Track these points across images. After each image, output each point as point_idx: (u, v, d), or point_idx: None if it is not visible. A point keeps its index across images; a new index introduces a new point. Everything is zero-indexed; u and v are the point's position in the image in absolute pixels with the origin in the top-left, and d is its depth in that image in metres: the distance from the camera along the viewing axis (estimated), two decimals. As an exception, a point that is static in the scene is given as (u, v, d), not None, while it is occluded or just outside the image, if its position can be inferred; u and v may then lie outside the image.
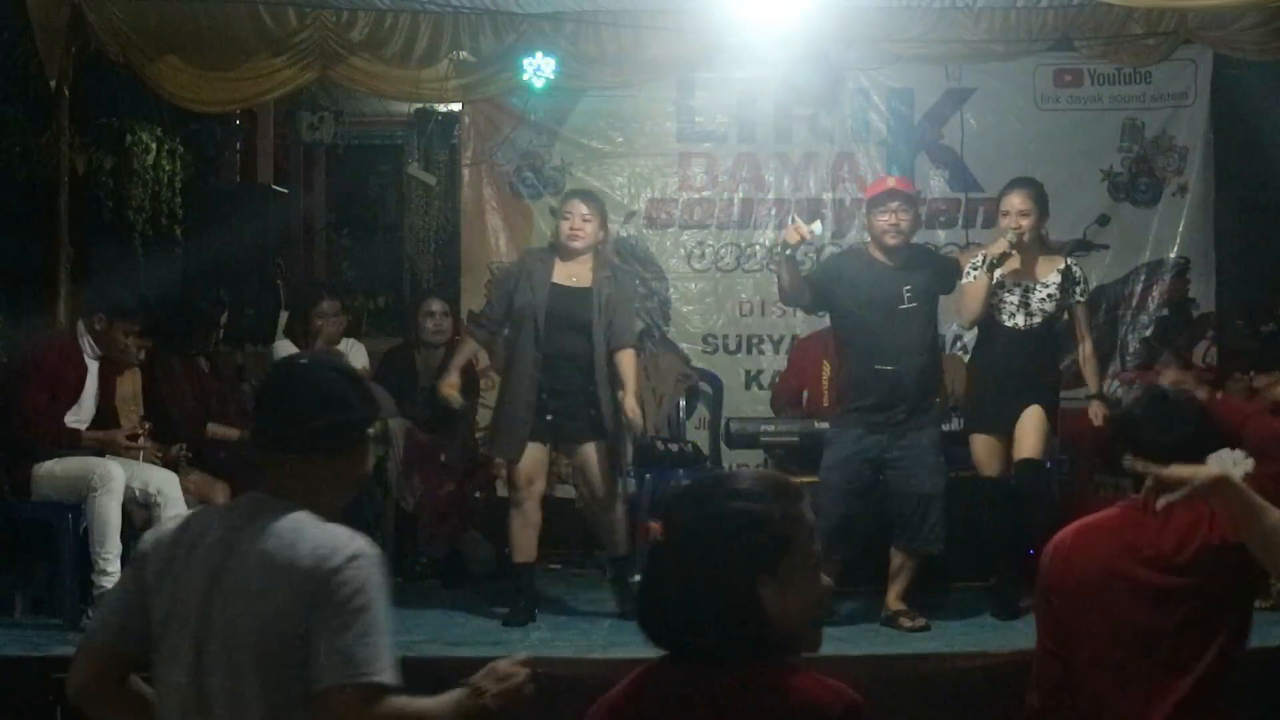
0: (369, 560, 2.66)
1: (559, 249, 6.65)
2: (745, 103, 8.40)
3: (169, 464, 6.58)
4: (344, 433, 2.80)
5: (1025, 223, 6.33)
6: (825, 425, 6.88)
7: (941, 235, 8.37)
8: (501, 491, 7.74)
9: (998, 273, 6.29)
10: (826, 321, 7.64)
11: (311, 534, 2.67)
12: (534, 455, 6.46)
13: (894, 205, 6.45)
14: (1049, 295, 6.39)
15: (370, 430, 2.83)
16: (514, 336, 6.57)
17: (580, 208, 6.64)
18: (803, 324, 8.24)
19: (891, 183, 6.78)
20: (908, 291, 6.38)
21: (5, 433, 6.39)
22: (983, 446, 6.39)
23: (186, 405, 7.02)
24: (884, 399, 6.32)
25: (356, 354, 7.69)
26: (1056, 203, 8.03)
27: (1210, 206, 8.33)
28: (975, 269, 6.38)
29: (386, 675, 2.60)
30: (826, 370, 7.48)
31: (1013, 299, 6.40)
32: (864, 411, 6.38)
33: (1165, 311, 8.31)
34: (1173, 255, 8.33)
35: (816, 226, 6.70)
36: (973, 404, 6.64)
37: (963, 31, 7.70)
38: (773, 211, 8.43)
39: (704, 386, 8.13)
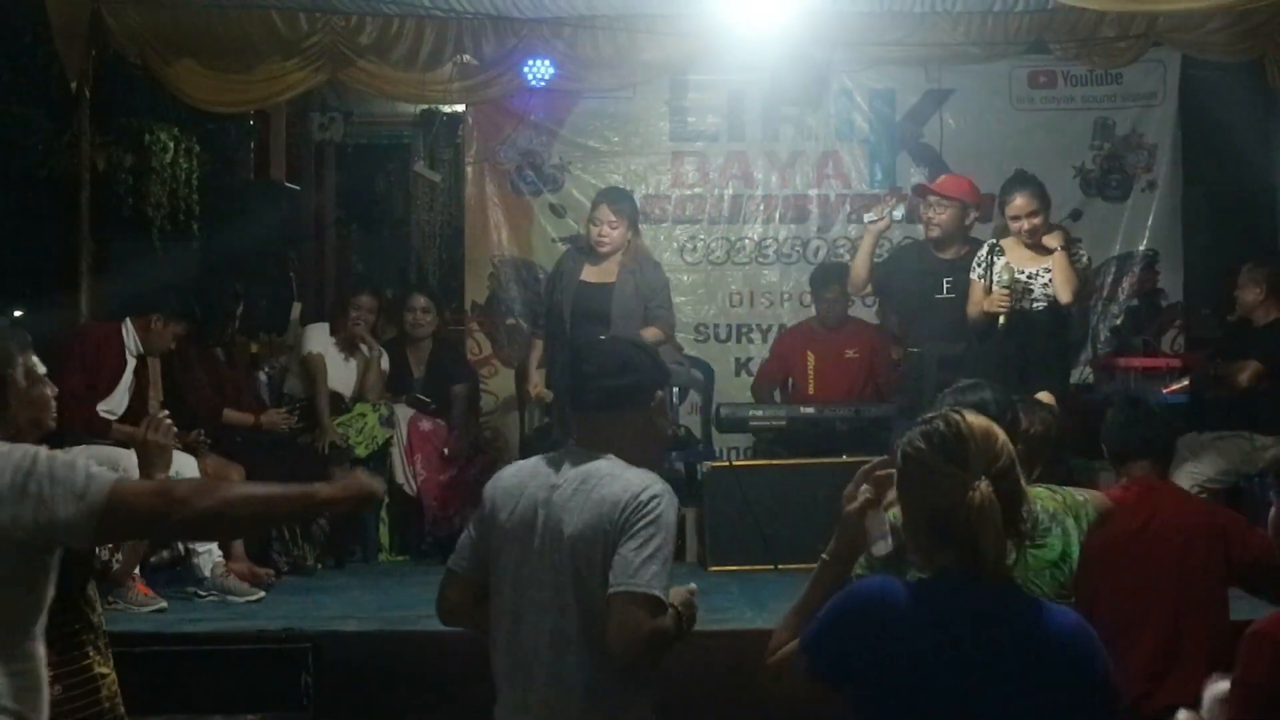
0: (667, 500, 3.11)
1: (589, 250, 6.86)
2: (735, 103, 8.52)
3: (188, 449, 6.82)
4: (635, 392, 3.24)
5: (1037, 222, 6.29)
6: (811, 410, 7.22)
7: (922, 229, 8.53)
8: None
9: (999, 271, 6.27)
10: (812, 312, 7.90)
11: (623, 474, 3.14)
12: None
13: (931, 200, 6.73)
14: (1052, 279, 6.32)
15: (659, 392, 3.28)
16: (553, 334, 6.83)
17: (606, 213, 6.80)
18: (789, 314, 8.45)
19: (938, 182, 7.00)
20: (948, 283, 6.61)
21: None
22: None
23: (203, 393, 7.13)
24: (916, 383, 6.54)
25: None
26: (1030, 198, 8.33)
27: (1178, 201, 8.44)
28: (979, 268, 6.37)
29: (655, 590, 3.02)
30: (811, 360, 7.68)
31: (1017, 290, 6.36)
32: (907, 395, 6.65)
33: (1135, 302, 8.40)
34: (1142, 248, 8.43)
35: (898, 212, 7.36)
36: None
37: (942, 35, 7.90)
38: (761, 207, 8.58)
39: (696, 373, 8.39)
